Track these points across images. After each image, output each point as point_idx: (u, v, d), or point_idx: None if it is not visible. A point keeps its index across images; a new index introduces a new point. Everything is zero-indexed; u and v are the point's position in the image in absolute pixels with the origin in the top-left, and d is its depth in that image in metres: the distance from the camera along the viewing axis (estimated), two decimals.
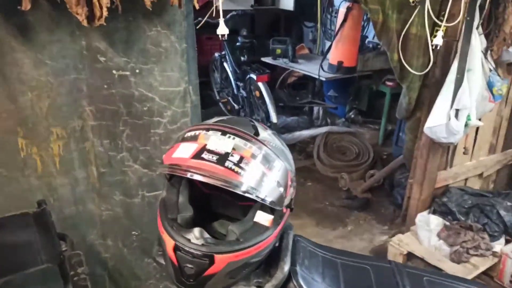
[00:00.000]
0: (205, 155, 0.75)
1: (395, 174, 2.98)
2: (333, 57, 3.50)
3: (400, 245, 2.42)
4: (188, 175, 0.74)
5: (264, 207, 0.83)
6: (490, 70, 2.26)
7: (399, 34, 2.18)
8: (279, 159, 0.83)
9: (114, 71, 1.49)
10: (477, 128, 2.54)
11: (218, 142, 0.78)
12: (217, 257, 0.76)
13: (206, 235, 0.77)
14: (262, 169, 0.78)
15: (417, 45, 2.18)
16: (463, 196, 2.50)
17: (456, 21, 1.98)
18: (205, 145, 0.78)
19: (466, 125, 2.19)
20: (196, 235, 0.77)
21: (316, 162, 3.44)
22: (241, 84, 3.79)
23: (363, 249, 2.65)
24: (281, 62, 3.86)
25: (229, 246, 0.78)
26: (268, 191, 0.77)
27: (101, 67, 1.47)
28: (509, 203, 2.45)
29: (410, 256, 2.39)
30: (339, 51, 3.46)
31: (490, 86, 2.27)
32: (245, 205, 0.95)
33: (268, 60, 3.94)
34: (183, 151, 0.78)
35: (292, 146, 3.82)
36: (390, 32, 2.20)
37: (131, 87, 1.54)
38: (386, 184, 3.13)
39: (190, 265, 0.77)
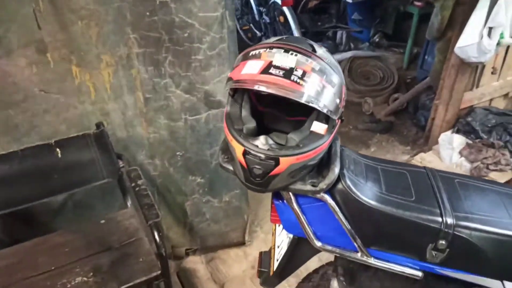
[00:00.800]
0: (272, 70, 0.84)
1: (420, 97, 3.03)
2: None
3: (422, 162, 2.55)
4: (260, 87, 0.83)
5: (319, 118, 0.93)
6: None
7: None
8: (335, 73, 0.92)
9: None
10: (508, 47, 2.52)
11: (283, 58, 0.86)
12: (282, 159, 0.89)
13: (271, 141, 0.89)
14: (322, 82, 0.87)
15: None
16: (487, 116, 2.56)
17: None
18: (271, 61, 0.86)
19: (498, 43, 2.19)
20: (262, 142, 0.89)
21: None
22: (263, 10, 3.72)
23: None
24: None
25: (292, 150, 0.90)
26: (327, 101, 0.87)
27: None
28: None
29: None
30: None
31: None
32: (295, 120, 1.06)
33: None
34: (251, 68, 0.87)
35: None
36: None
37: (171, 13, 1.58)
38: (410, 107, 3.19)
39: (258, 166, 0.90)
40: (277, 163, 0.89)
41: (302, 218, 1.04)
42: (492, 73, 2.60)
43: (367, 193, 1.00)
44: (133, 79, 1.67)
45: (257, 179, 0.92)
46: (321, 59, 0.90)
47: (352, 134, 3.23)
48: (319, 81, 0.86)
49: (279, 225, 1.29)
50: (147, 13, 1.56)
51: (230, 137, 0.94)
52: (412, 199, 1.02)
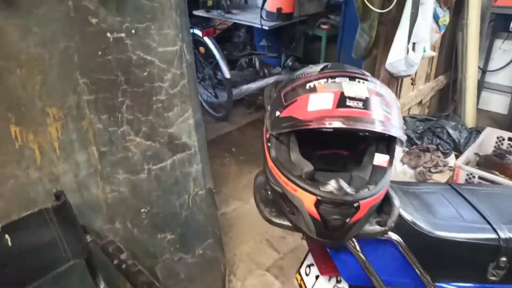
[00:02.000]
0: (349, 102, 0.73)
1: None
2: (271, 4, 3.46)
3: None
4: (344, 125, 0.71)
5: (380, 149, 0.84)
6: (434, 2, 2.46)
7: None
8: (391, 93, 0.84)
9: (108, 34, 1.30)
10: None
11: (353, 88, 0.75)
12: (362, 203, 0.76)
13: (344, 184, 0.76)
14: (396, 107, 0.78)
15: None
16: (416, 123, 2.78)
17: None
18: (342, 92, 0.74)
19: (421, 57, 2.39)
20: (335, 186, 0.75)
21: None
22: None
23: None
24: (216, 14, 3.70)
25: (370, 190, 0.78)
26: (403, 129, 0.78)
27: (93, 31, 1.27)
28: (453, 123, 2.80)
29: None
30: None
31: (435, 18, 2.48)
32: (328, 153, 0.95)
33: (200, 13, 3.74)
34: (320, 103, 0.74)
35: (239, 101, 3.79)
36: None
37: (128, 51, 1.36)
38: None
39: (336, 216, 0.76)
40: (357, 208, 0.76)
41: (369, 267, 0.92)
42: (412, 84, 2.84)
43: (424, 223, 0.94)
44: (85, 132, 1.38)
45: (335, 231, 0.78)
46: (380, 83, 0.82)
47: None
48: (396, 107, 0.78)
49: (307, 275, 1.15)
50: (99, 53, 1.31)
51: (292, 186, 0.79)
52: (462, 219, 0.98)
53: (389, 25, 2.42)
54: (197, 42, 3.26)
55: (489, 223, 0.97)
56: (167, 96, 1.51)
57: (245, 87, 3.60)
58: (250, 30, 4.34)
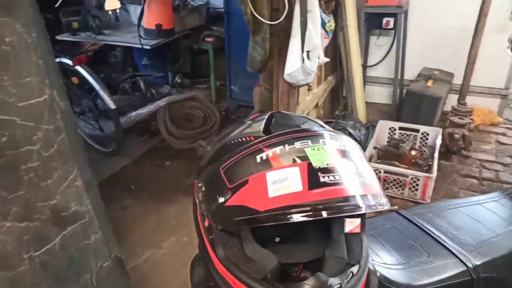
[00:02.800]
0: (323, 178, 0.53)
1: None
2: (148, 21, 3.15)
3: None
4: (327, 214, 0.51)
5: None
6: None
7: None
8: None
9: None
10: None
11: (320, 154, 0.55)
12: None
13: (323, 277, 0.57)
14: (364, 159, 0.62)
15: None
16: None
17: None
18: (309, 164, 0.54)
19: (317, 64, 2.36)
20: (317, 285, 0.56)
21: (167, 138, 3.17)
22: None
23: None
24: (84, 37, 3.25)
25: (355, 278, 0.60)
26: (380, 187, 0.61)
27: None
28: (351, 122, 2.86)
29: None
30: (154, 14, 3.12)
31: (322, 24, 2.47)
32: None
33: (66, 37, 3.25)
34: (286, 184, 0.53)
35: (129, 129, 3.40)
36: None
37: None
38: None
39: None
40: None
41: None
42: (308, 89, 2.83)
43: (400, 276, 0.80)
44: None
45: None
46: (336, 131, 0.65)
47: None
48: (365, 161, 0.61)
49: None
50: None
51: None
52: (428, 258, 0.88)
53: (281, 35, 2.33)
54: (67, 72, 2.80)
55: (453, 253, 0.90)
56: (41, 161, 1.16)
57: (134, 114, 3.23)
58: (128, 49, 3.95)
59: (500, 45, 3.04)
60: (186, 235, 2.42)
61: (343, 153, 0.60)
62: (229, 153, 0.61)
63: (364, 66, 3.72)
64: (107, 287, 1.45)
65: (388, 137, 3.13)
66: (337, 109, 3.78)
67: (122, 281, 1.52)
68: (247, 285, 0.58)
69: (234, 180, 0.58)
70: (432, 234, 0.98)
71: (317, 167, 0.56)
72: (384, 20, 3.24)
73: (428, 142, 3.04)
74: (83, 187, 1.32)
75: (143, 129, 3.37)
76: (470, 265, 0.89)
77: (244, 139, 0.64)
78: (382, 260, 0.87)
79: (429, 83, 3.21)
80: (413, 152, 2.91)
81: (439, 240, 0.96)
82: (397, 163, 2.82)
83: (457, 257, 0.90)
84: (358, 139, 2.72)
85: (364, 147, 2.77)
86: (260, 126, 0.66)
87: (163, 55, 3.89)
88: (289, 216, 0.53)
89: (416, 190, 2.60)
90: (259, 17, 2.11)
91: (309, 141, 0.59)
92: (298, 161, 0.56)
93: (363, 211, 0.56)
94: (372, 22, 3.39)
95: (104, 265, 1.43)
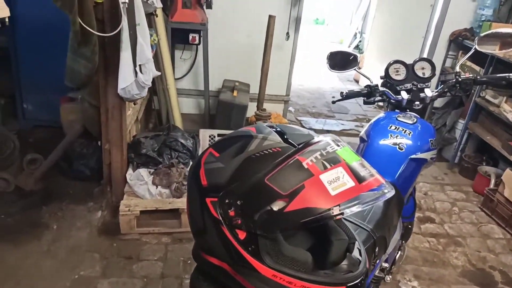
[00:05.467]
0: (361, 172, 0.61)
1: (73, 148, 2.72)
2: None
3: (130, 210, 2.41)
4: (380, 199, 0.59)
5: None
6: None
7: None
8: None
9: None
10: None
11: (346, 153, 0.63)
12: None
13: (351, 256, 0.67)
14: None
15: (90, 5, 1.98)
16: (149, 141, 2.73)
17: None
18: (346, 163, 0.62)
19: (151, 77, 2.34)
20: (350, 262, 0.66)
21: None
22: None
23: (88, 241, 2.36)
24: None
25: (363, 249, 0.72)
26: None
27: None
28: (179, 133, 2.92)
29: (143, 213, 2.45)
30: None
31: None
32: None
33: None
34: (339, 182, 0.58)
35: None
36: None
37: None
38: (62, 164, 2.78)
39: None
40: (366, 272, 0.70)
41: None
42: (134, 104, 2.74)
43: None
44: None
45: None
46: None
47: (8, 224, 2.44)
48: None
49: None
50: None
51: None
52: None
53: (109, 49, 2.21)
54: None
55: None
56: None
57: None
58: None
59: (279, 59, 3.77)
60: None
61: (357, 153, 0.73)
62: (262, 166, 0.64)
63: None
64: None
65: (209, 144, 3.36)
66: (151, 122, 3.77)
67: None
68: (304, 280, 0.63)
69: (287, 188, 0.61)
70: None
71: (352, 164, 0.66)
72: (191, 36, 3.46)
73: None
74: None
75: None
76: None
77: (271, 151, 0.67)
78: None
79: (235, 93, 3.62)
80: None
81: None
82: None
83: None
84: (190, 148, 2.82)
85: (195, 156, 2.90)
86: (276, 137, 0.71)
87: None
88: (351, 208, 0.62)
89: None
90: (90, 29, 1.95)
91: (334, 144, 0.68)
92: (338, 162, 0.65)
93: (392, 193, 0.70)
94: (178, 37, 3.54)
95: None
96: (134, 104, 2.75)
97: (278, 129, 0.76)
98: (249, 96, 3.82)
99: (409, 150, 1.58)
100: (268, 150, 0.69)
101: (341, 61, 1.86)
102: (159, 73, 2.49)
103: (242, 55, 3.91)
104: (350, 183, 0.65)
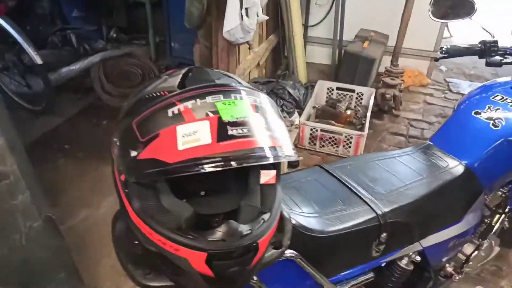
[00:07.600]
0: (231, 130, 0.55)
1: None
2: None
3: None
4: (233, 164, 0.53)
5: (265, 165, 0.70)
6: None
7: None
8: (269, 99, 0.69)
9: None
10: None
11: (231, 109, 0.57)
12: (261, 242, 0.62)
13: (234, 225, 0.61)
14: (278, 116, 0.64)
15: None
16: (259, 87, 2.79)
17: None
18: (219, 118, 0.56)
19: (256, 22, 2.33)
20: (228, 231, 0.59)
21: (102, 96, 3.04)
22: None
23: None
24: None
25: (267, 223, 0.64)
26: (291, 143, 0.65)
27: None
28: (290, 82, 2.91)
29: None
30: None
31: None
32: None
33: None
34: (196, 136, 0.54)
35: (62, 87, 3.20)
36: None
37: None
38: None
39: (234, 268, 0.60)
40: (256, 249, 0.62)
41: None
42: (249, 48, 2.81)
43: (315, 223, 0.87)
44: None
45: (235, 282, 0.63)
46: (259, 90, 0.66)
47: None
48: (278, 118, 0.64)
49: None
50: None
51: (171, 245, 0.59)
52: (343, 207, 0.95)
53: None
54: None
55: (366, 203, 0.98)
56: None
57: (65, 71, 3.04)
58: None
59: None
60: None
61: (256, 108, 0.62)
62: (143, 107, 0.61)
63: (305, 26, 3.74)
64: (38, 247, 1.42)
65: (326, 97, 3.23)
66: (279, 69, 3.80)
67: (56, 240, 1.49)
68: (161, 234, 0.60)
69: (146, 134, 0.58)
70: (349, 186, 1.06)
71: (226, 121, 0.58)
72: None
73: (363, 102, 3.19)
74: (6, 147, 1.25)
75: (77, 86, 3.19)
76: (379, 212, 0.98)
77: (158, 94, 0.64)
78: (301, 210, 0.94)
79: (366, 44, 3.32)
80: (348, 112, 3.04)
81: (355, 190, 1.04)
82: (333, 122, 2.95)
83: (369, 205, 0.99)
84: (297, 98, 2.78)
85: (302, 106, 2.85)
86: (176, 81, 0.66)
87: (96, 6, 3.64)
88: (199, 167, 0.55)
89: (350, 147, 2.75)
90: None
91: (221, 95, 0.60)
92: (211, 115, 0.58)
93: (270, 161, 0.59)
94: None
95: (34, 225, 1.39)
96: (250, 48, 2.80)
97: (211, 77, 0.68)
98: (384, 49, 3.45)
99: (506, 130, 1.22)
100: (157, 92, 0.64)
101: (450, 7, 1.50)
102: (266, 18, 2.45)
103: (385, 2, 3.50)
104: (206, 140, 0.56)
